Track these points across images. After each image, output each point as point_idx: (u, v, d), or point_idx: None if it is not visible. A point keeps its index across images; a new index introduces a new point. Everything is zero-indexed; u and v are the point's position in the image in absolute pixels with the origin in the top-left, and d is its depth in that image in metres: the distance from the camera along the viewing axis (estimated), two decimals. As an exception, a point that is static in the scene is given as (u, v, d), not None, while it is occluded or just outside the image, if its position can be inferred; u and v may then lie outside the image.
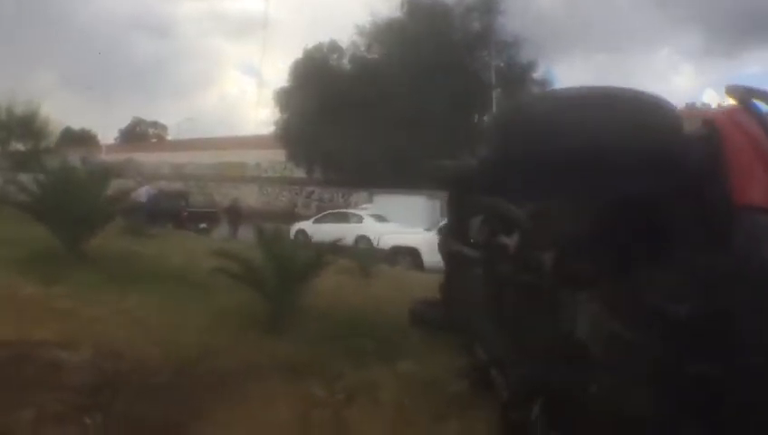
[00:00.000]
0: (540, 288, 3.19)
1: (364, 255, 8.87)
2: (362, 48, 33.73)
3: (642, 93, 2.37)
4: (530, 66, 31.15)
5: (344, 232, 12.71)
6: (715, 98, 51.31)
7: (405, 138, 28.24)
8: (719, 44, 61.10)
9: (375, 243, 13.84)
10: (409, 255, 12.69)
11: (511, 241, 3.79)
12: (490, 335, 4.36)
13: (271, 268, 5.85)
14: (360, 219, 20.37)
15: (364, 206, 28.17)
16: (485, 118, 32.99)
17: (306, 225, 21.45)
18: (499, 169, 2.79)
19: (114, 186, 10.31)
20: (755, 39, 60.16)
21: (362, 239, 15.65)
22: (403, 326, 5.80)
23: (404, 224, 21.50)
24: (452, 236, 6.40)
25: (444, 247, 6.75)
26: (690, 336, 1.90)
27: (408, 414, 3.65)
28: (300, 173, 36.62)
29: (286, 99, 35.32)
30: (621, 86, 2.55)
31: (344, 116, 30.22)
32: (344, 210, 25.69)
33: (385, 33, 32.36)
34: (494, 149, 2.80)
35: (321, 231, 15.47)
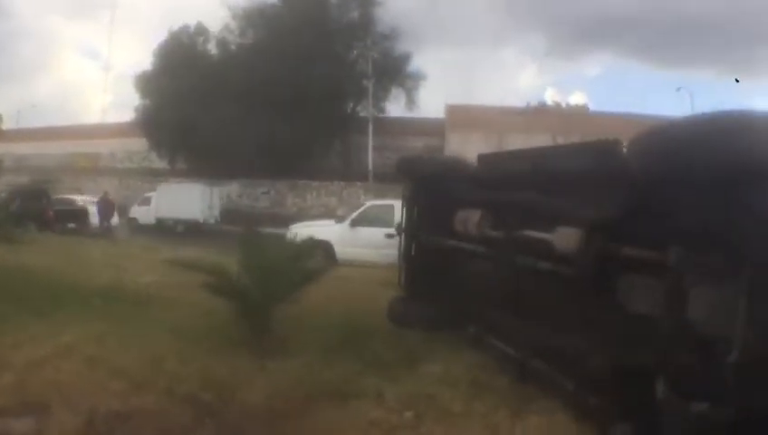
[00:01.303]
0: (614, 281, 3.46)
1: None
2: (236, 32, 32.35)
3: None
4: (404, 58, 31.87)
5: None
6: (555, 96, 56.80)
7: (278, 126, 27.68)
8: (561, 46, 67.03)
9: (290, 236, 13.49)
10: (322, 248, 12.52)
11: (558, 235, 4.01)
12: (523, 328, 4.54)
13: (256, 280, 5.49)
14: None
15: (147, 194, 27.94)
16: (359, 108, 33.35)
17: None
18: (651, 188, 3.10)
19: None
20: (594, 42, 67.10)
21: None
22: (390, 326, 5.82)
23: (182, 211, 25.21)
24: (427, 230, 6.52)
25: (414, 242, 6.85)
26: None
27: (485, 418, 3.66)
28: (163, 164, 34.37)
29: (149, 84, 32.93)
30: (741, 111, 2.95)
31: (213, 103, 28.91)
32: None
33: (258, 18, 31.32)
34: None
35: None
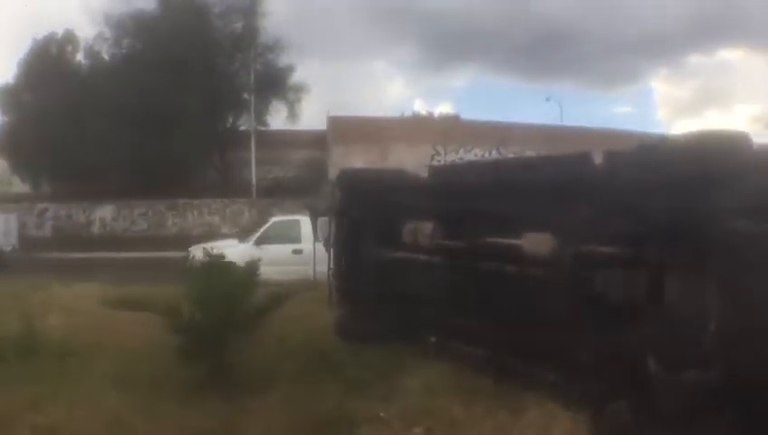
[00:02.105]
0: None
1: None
2: (109, 41, 30.19)
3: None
4: (287, 71, 31.54)
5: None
6: (423, 107, 59.31)
7: (153, 142, 26.27)
8: (429, 59, 70.06)
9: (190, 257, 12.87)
10: None
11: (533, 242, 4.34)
12: (499, 330, 4.81)
13: (211, 312, 5.19)
14: None
15: None
16: (239, 121, 32.53)
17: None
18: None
19: None
20: (460, 55, 70.85)
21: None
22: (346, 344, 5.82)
23: None
24: (368, 243, 6.60)
25: (348, 256, 6.92)
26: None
27: (489, 420, 3.83)
28: (26, 187, 31.22)
29: (10, 98, 29.79)
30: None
31: (82, 118, 26.84)
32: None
33: (134, 27, 29.49)
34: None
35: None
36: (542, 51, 68.25)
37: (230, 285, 5.53)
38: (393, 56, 69.61)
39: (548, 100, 41.03)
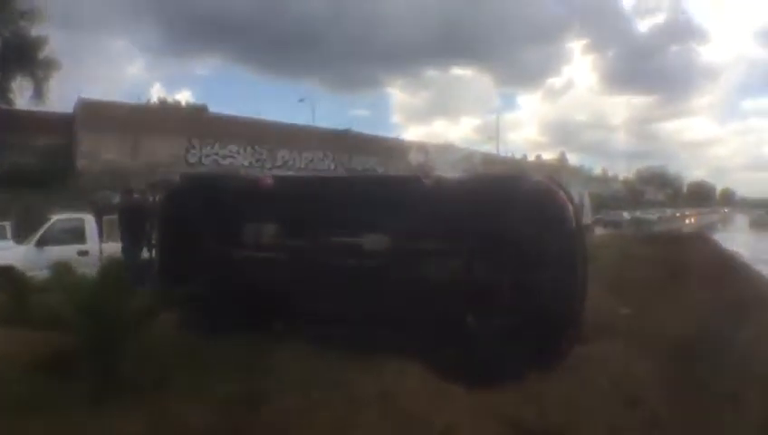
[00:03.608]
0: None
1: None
2: None
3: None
4: (39, 42, 27.58)
5: None
6: (161, 93, 56.03)
7: None
8: (173, 43, 66.41)
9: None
10: (4, 275, 11.02)
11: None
12: (350, 309, 6.14)
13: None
14: None
15: None
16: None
17: None
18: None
19: None
20: (206, 43, 68.47)
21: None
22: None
23: None
24: (217, 242, 7.35)
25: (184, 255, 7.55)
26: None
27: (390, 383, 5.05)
28: None
29: None
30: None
31: None
32: None
33: None
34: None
35: None
36: (293, 48, 70.46)
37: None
38: (136, 35, 64.71)
39: (301, 101, 43.14)
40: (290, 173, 32.24)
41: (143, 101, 38.89)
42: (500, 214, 5.36)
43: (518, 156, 65.57)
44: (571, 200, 6.05)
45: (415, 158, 42.70)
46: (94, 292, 5.36)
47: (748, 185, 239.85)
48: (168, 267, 7.75)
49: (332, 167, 38.32)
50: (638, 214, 49.17)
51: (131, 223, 10.62)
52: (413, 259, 5.71)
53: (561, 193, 5.84)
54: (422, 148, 44.64)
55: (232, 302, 6.84)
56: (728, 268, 13.59)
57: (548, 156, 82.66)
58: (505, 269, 5.22)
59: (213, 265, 7.20)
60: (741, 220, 64.43)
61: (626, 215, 46.00)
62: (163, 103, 41.43)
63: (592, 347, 5.71)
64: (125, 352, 5.01)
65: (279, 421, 4.33)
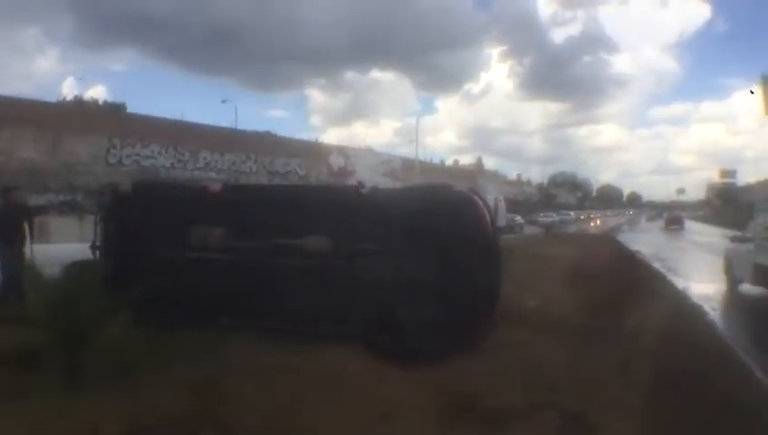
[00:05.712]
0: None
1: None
2: None
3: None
4: None
5: None
6: (73, 87, 53.04)
7: None
8: (88, 36, 63.15)
9: None
10: None
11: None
12: (292, 305, 6.79)
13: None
14: None
15: None
16: None
17: None
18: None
19: None
20: (123, 37, 65.83)
21: None
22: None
23: None
24: (167, 244, 7.74)
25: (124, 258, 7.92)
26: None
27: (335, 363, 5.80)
28: None
29: None
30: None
31: None
32: None
33: None
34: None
35: None
36: (212, 46, 69.12)
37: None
38: (47, 25, 61.17)
39: (224, 102, 42.77)
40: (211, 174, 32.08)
41: (57, 96, 37.34)
42: (426, 219, 6.22)
43: (436, 160, 67.64)
44: (488, 207, 7.00)
45: (335, 161, 43.61)
46: (67, 291, 5.79)
47: (654, 188, 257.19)
48: (117, 269, 8.06)
49: (254, 169, 38.32)
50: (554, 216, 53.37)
51: (5, 225, 9.40)
52: (350, 259, 6.46)
53: (479, 201, 6.76)
54: (342, 151, 45.65)
55: (182, 300, 7.29)
56: (627, 265, 15.24)
57: (465, 160, 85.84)
58: (430, 267, 6.07)
59: (163, 266, 7.61)
60: (644, 222, 69.82)
61: (555, 216, 54.02)
62: (79, 100, 40.00)
63: (505, 332, 6.67)
64: (92, 346, 5.43)
65: (237, 402, 4.94)
